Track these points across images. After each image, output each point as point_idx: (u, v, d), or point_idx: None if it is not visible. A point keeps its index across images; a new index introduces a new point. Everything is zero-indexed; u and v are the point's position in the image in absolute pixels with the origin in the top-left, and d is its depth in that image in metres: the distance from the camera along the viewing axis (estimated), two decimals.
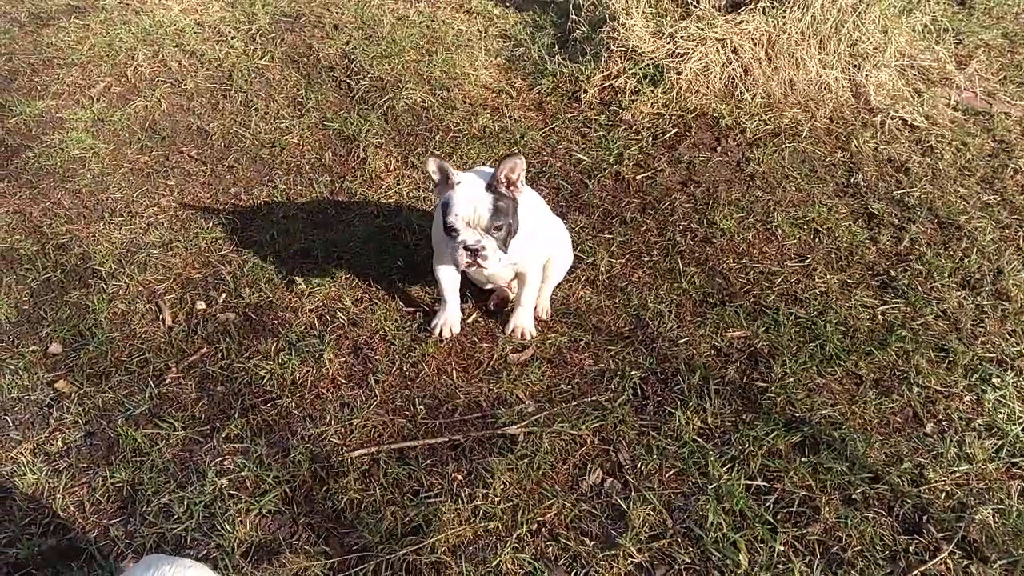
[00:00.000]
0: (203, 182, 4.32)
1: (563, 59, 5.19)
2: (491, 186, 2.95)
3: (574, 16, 5.39)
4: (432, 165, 3.00)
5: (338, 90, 5.01)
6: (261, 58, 5.23)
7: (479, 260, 2.95)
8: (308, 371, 3.24)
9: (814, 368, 3.20)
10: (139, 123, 4.71)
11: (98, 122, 4.70)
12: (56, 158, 4.41)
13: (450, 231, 2.96)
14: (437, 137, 4.59)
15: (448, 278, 3.37)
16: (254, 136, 4.63)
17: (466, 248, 2.94)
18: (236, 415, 3.07)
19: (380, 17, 5.66)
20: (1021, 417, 2.98)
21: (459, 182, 2.97)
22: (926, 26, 5.22)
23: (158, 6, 5.80)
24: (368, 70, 5.10)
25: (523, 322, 3.41)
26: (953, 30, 5.39)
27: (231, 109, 4.84)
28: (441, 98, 4.91)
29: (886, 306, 3.48)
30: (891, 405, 3.05)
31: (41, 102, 4.83)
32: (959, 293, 3.54)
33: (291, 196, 4.23)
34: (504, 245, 2.98)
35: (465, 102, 4.91)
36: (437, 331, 3.40)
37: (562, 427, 2.98)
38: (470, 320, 3.49)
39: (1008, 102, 4.82)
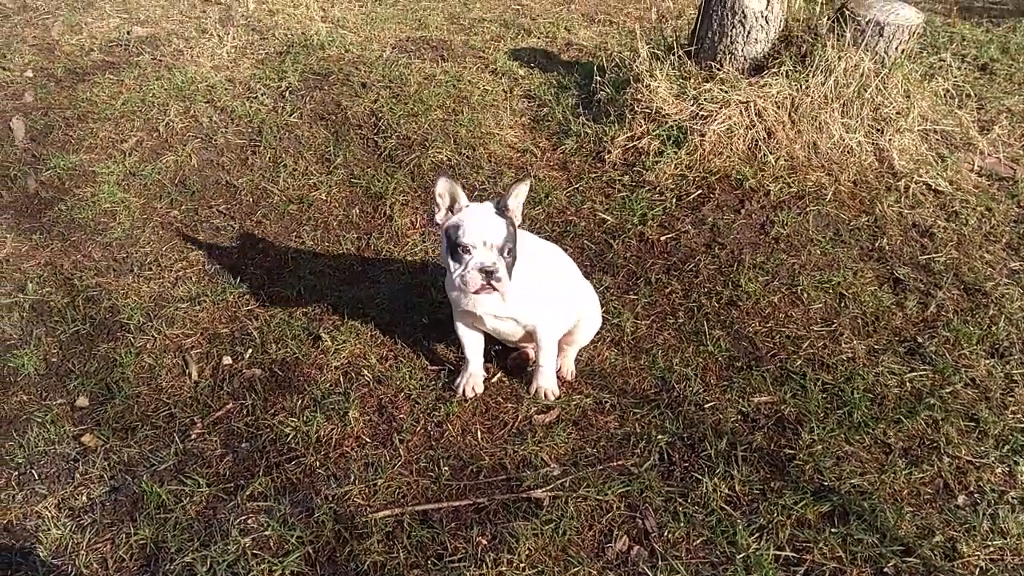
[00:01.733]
0: (231, 237, 4.37)
1: (587, 120, 5.25)
2: (501, 211, 2.95)
3: (598, 78, 5.46)
4: (442, 186, 2.94)
5: (366, 148, 5.08)
6: (290, 115, 5.32)
7: (493, 282, 2.86)
8: (333, 429, 3.24)
9: (842, 436, 3.18)
10: (169, 177, 4.79)
11: (129, 176, 4.78)
12: (88, 211, 4.48)
13: (464, 251, 2.87)
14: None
15: (470, 336, 3.37)
16: (282, 192, 4.69)
17: (481, 269, 2.86)
18: (260, 473, 3.07)
19: (407, 76, 5.75)
20: None
21: (467, 206, 2.96)
22: (948, 91, 5.25)
23: (190, 62, 5.92)
24: (395, 128, 5.17)
25: (546, 383, 3.40)
26: (975, 95, 5.42)
27: (260, 165, 4.91)
28: (467, 157, 4.97)
29: (914, 373, 3.46)
30: (921, 475, 3.01)
31: (75, 156, 4.91)
32: (988, 361, 3.51)
33: (318, 252, 4.27)
34: (510, 272, 2.93)
35: (490, 161, 4.96)
36: (460, 391, 3.40)
37: (588, 491, 2.95)
38: (494, 379, 3.49)
39: None
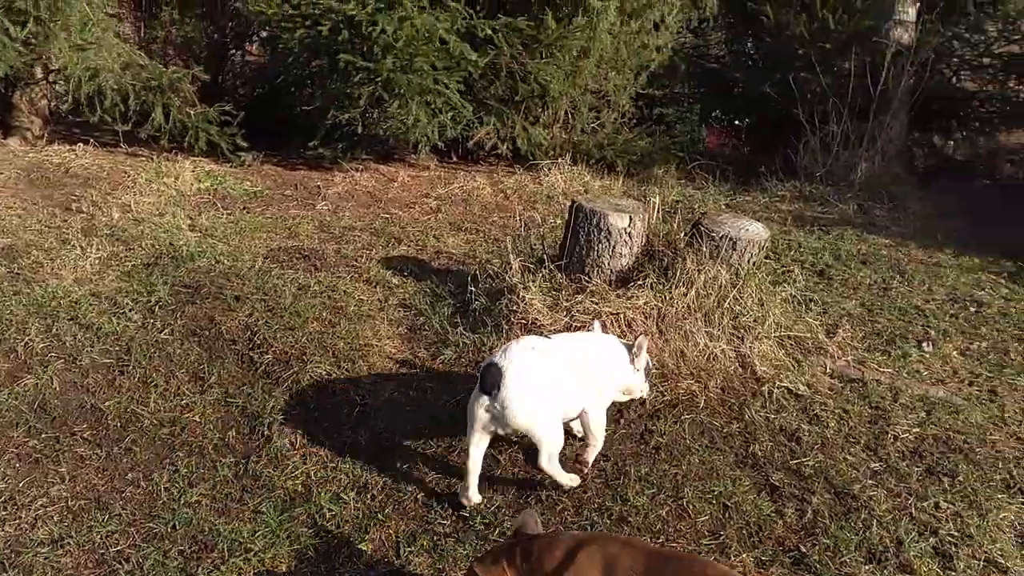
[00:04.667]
0: (98, 467, 4.11)
1: (465, 329, 5.36)
2: None
3: (472, 287, 5.64)
4: None
5: (240, 364, 4.97)
6: (161, 331, 5.17)
7: None
8: None
9: None
10: (28, 403, 4.50)
11: None
12: None
13: None
14: (344, 411, 4.57)
15: None
16: (153, 415, 4.49)
17: None
18: None
19: (282, 288, 5.75)
20: None
21: None
22: (794, 297, 5.70)
23: (51, 275, 5.73)
24: (271, 343, 5.11)
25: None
26: (819, 300, 5.90)
27: (128, 386, 4.70)
28: (346, 370, 4.94)
29: None
30: None
31: None
32: (867, 567, 3.65)
33: (193, 480, 4.06)
34: None
35: (370, 373, 4.95)
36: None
37: None
38: None
39: (877, 369, 5.23)
